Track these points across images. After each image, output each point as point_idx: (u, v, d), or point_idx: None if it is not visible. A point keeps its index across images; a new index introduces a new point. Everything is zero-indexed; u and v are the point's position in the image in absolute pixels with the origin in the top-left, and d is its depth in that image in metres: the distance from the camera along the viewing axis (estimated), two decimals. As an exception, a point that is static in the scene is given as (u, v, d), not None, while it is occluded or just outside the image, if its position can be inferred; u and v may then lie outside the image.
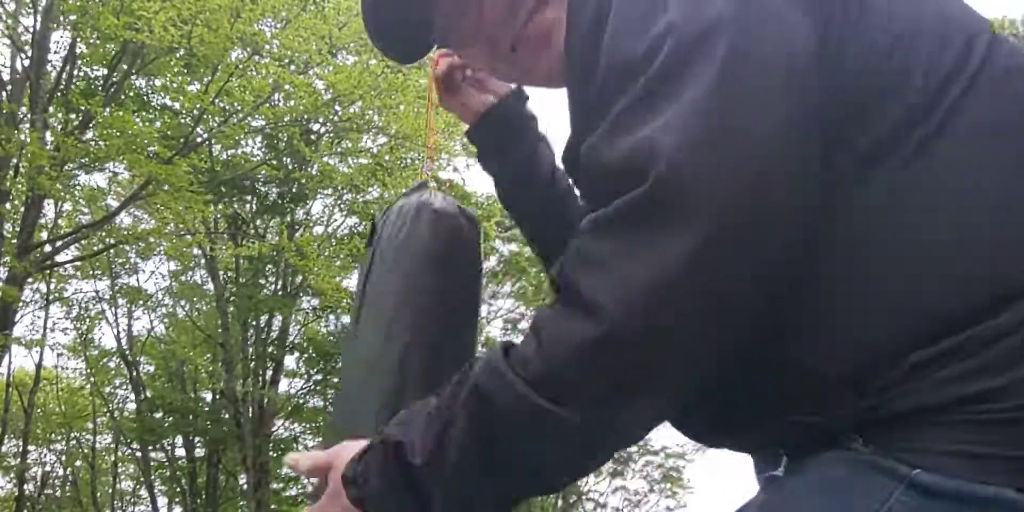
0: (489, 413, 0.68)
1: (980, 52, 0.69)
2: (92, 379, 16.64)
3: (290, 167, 13.22)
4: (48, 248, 11.11)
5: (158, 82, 12.21)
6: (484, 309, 20.14)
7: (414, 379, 0.99)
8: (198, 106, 10.33)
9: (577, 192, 1.14)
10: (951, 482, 0.59)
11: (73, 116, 10.66)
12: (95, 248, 12.35)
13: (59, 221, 12.74)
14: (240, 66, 10.10)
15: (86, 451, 17.74)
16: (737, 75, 0.63)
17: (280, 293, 14.97)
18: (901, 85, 0.67)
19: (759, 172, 0.62)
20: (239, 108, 10.80)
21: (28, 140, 9.06)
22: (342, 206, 15.15)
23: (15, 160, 9.76)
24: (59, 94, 10.84)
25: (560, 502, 19.03)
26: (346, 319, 16.85)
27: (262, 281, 15.31)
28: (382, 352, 1.02)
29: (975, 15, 0.74)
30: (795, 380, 0.66)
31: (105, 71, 11.65)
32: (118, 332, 16.08)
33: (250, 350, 15.35)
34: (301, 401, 16.96)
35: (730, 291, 0.62)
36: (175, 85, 11.86)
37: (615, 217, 0.64)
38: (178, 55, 11.21)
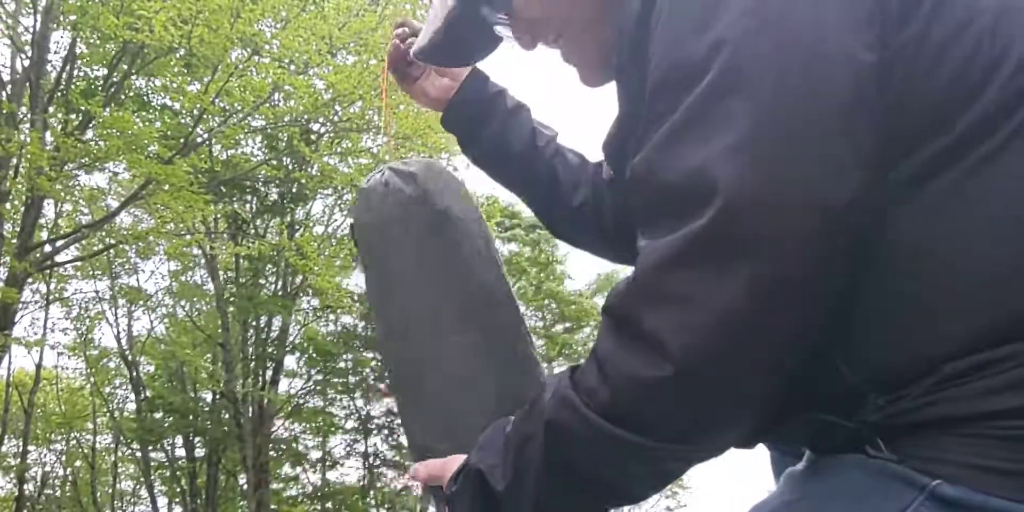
0: (564, 444, 0.69)
1: None
2: (92, 379, 16.64)
3: (290, 167, 13.23)
4: (48, 248, 11.11)
5: (158, 82, 12.20)
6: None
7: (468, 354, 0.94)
8: (198, 106, 10.33)
9: (604, 172, 1.13)
10: (975, 496, 0.58)
11: (73, 116, 10.66)
12: (95, 248, 12.35)
13: (59, 221, 12.74)
14: (240, 66, 10.10)
15: (86, 451, 17.74)
16: (797, 96, 0.62)
17: (280, 293, 14.98)
18: (974, 95, 0.65)
19: (822, 204, 0.60)
20: (239, 108, 10.80)
21: (28, 140, 9.06)
22: (342, 206, 15.15)
23: (15, 160, 9.77)
24: (59, 94, 10.84)
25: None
26: (346, 319, 16.88)
27: (262, 281, 15.33)
28: (419, 346, 0.96)
29: None
30: (827, 381, 0.66)
31: (105, 71, 11.65)
32: (118, 332, 16.10)
33: (250, 350, 15.36)
34: (301, 401, 16.98)
35: (797, 324, 0.62)
36: (175, 85, 11.85)
37: (677, 250, 0.63)
38: (178, 55, 11.21)
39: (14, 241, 10.00)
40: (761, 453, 0.99)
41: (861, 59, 0.63)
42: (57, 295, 15.27)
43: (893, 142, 0.64)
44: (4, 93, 10.31)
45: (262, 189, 14.30)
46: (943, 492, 0.59)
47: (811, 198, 0.60)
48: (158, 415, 16.18)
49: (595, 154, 1.09)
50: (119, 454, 17.92)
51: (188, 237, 11.84)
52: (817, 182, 0.60)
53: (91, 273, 15.25)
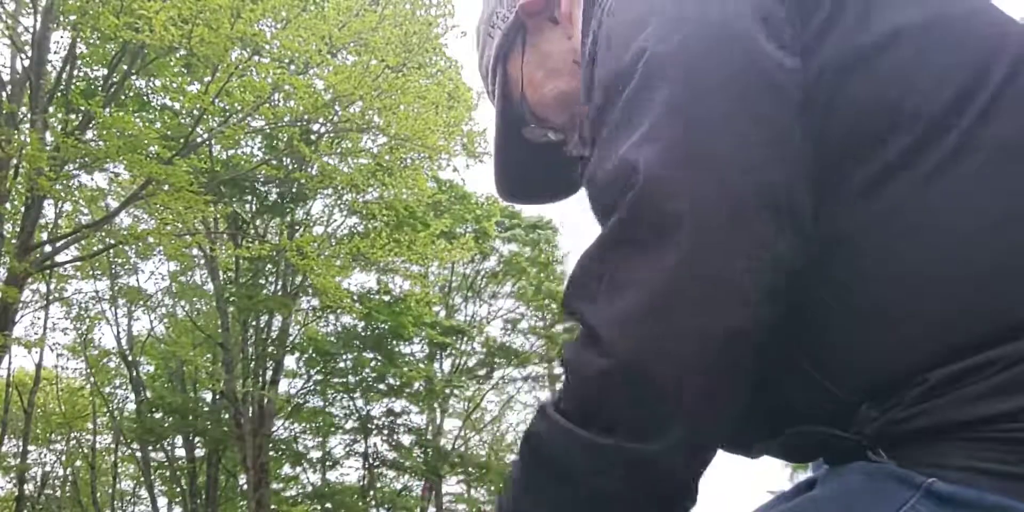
0: (539, 451, 0.68)
1: (1002, 69, 0.68)
2: (92, 379, 16.65)
3: (290, 167, 13.23)
4: (48, 248, 11.11)
5: (158, 82, 12.21)
6: (484, 309, 20.16)
7: None
8: (198, 106, 10.33)
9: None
10: (969, 492, 0.58)
11: (73, 116, 10.66)
12: (95, 248, 12.35)
13: (59, 221, 12.75)
14: (240, 66, 10.09)
15: (86, 451, 17.75)
16: (705, 83, 0.65)
17: (280, 293, 14.97)
18: (906, 109, 0.66)
19: (729, 184, 0.62)
20: (239, 108, 10.80)
21: (28, 141, 9.06)
22: (342, 206, 15.15)
23: (15, 160, 9.77)
24: (59, 94, 10.84)
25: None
26: (346, 319, 16.88)
27: (262, 281, 15.32)
28: None
29: (1000, 23, 0.72)
30: (814, 396, 0.67)
31: (105, 71, 11.65)
32: (118, 332, 16.11)
33: (250, 350, 15.35)
34: (301, 401, 16.98)
35: (723, 305, 0.61)
36: (175, 85, 11.85)
37: (603, 239, 0.66)
38: (178, 55, 11.21)
39: (14, 241, 10.00)
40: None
41: (765, 50, 0.67)
42: (57, 295, 15.29)
43: (841, 148, 0.67)
44: (4, 93, 10.30)
45: (262, 189, 14.30)
46: (939, 489, 0.59)
47: (721, 175, 0.62)
48: (158, 415, 16.18)
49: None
50: (119, 454, 17.92)
51: (188, 238, 11.84)
52: (726, 160, 0.63)
53: (91, 273, 15.26)
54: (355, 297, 14.41)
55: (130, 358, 16.07)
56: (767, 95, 0.66)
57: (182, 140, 10.53)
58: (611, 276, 0.64)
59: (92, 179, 14.53)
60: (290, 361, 16.69)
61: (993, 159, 0.64)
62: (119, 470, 18.39)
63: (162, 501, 17.78)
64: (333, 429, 18.04)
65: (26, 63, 10.42)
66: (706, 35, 0.68)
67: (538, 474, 0.68)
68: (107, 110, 10.24)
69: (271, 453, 15.58)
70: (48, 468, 18.34)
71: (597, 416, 0.64)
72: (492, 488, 20.55)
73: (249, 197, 14.49)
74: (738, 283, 0.62)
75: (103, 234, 11.43)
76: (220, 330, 14.57)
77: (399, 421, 18.23)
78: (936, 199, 0.64)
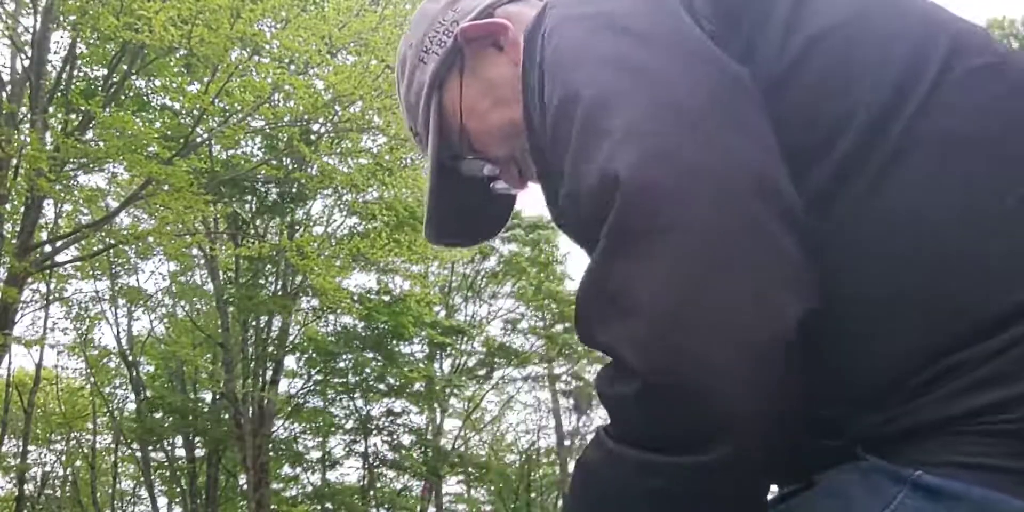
0: (590, 476, 0.67)
1: (938, 57, 0.67)
2: (92, 379, 16.65)
3: (290, 167, 13.23)
4: (48, 248, 11.11)
5: (158, 82, 12.21)
6: (484, 309, 20.17)
7: None
8: (198, 106, 10.33)
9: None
10: (955, 484, 0.58)
11: (73, 116, 10.66)
12: (95, 248, 12.35)
13: (59, 221, 12.75)
14: (240, 66, 10.10)
15: (86, 451, 17.75)
16: (670, 88, 0.65)
17: (280, 293, 14.98)
18: (840, 115, 0.66)
19: (716, 174, 0.60)
20: (239, 108, 10.80)
21: (28, 141, 9.06)
22: (342, 206, 15.15)
23: (15, 160, 9.77)
24: (59, 94, 10.84)
25: (561, 502, 19.01)
26: (346, 319, 16.87)
27: (262, 281, 15.32)
28: None
29: (929, 15, 0.72)
30: (812, 412, 0.66)
31: (105, 71, 11.65)
32: (118, 332, 16.11)
33: (250, 350, 15.36)
34: (301, 401, 16.98)
35: (738, 299, 0.58)
36: (175, 85, 11.86)
37: (599, 259, 0.62)
38: (178, 55, 11.21)
39: (14, 241, 10.00)
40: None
41: (724, 57, 0.67)
42: (57, 295, 15.28)
43: (795, 154, 0.66)
44: (4, 93, 10.30)
45: (262, 189, 14.30)
46: (926, 481, 0.59)
47: (705, 165, 0.61)
48: (158, 415, 16.19)
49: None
50: (119, 454, 17.92)
51: (188, 238, 11.85)
52: (704, 151, 0.61)
53: (91, 273, 15.25)
54: (355, 297, 14.40)
55: (130, 358, 16.07)
56: (737, 92, 0.65)
57: (182, 140, 10.54)
58: (619, 295, 0.60)
59: (90, 180, 14.52)
60: (290, 361, 16.72)
61: (936, 155, 0.64)
62: (119, 470, 18.40)
63: (162, 501, 17.81)
64: (333, 429, 18.04)
65: (26, 63, 10.41)
66: (664, 50, 0.68)
67: (584, 493, 0.68)
68: (107, 110, 10.24)
69: (271, 453, 15.58)
70: (48, 468, 18.36)
71: (642, 438, 0.62)
72: (492, 488, 20.55)
73: (249, 197, 14.49)
74: (762, 277, 0.59)
75: (103, 234, 11.43)
76: (220, 330, 14.58)
77: (399, 421, 18.26)
78: (885, 206, 0.63)
